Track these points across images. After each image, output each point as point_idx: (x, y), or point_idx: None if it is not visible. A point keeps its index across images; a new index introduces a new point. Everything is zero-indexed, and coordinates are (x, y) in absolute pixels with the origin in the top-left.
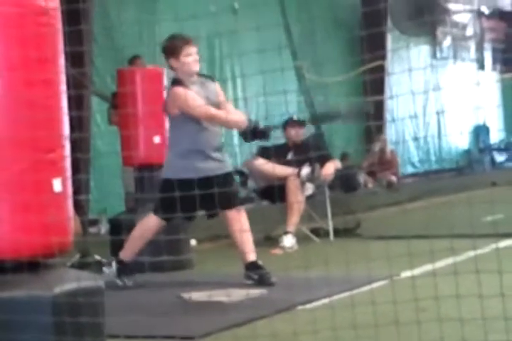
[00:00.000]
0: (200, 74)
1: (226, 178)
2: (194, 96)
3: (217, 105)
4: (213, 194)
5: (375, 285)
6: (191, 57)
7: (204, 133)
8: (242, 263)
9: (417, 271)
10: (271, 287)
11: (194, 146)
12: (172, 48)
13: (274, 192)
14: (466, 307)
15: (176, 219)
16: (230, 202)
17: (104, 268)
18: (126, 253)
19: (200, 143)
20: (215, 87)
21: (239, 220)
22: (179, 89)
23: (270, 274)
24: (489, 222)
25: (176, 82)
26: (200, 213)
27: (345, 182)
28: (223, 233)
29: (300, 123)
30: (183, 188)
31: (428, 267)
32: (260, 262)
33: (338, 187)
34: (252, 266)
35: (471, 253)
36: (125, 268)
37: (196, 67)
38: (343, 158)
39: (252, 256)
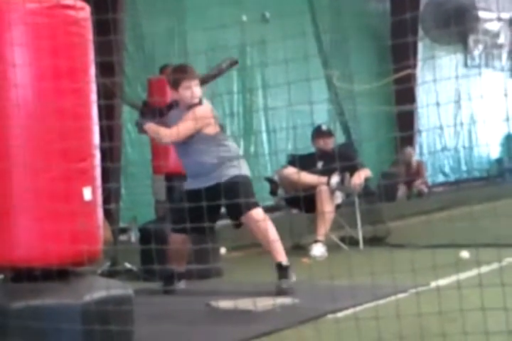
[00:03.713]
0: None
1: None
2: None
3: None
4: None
5: (400, 295)
6: (189, 91)
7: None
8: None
9: (443, 282)
10: (294, 295)
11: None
12: (172, 81)
13: (304, 200)
14: (492, 319)
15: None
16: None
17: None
18: (175, 267)
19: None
20: (186, 113)
21: (256, 221)
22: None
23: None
24: None
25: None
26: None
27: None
28: (252, 242)
29: (328, 133)
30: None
31: (454, 278)
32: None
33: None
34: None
35: (498, 264)
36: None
37: (194, 100)
38: (395, 163)
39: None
